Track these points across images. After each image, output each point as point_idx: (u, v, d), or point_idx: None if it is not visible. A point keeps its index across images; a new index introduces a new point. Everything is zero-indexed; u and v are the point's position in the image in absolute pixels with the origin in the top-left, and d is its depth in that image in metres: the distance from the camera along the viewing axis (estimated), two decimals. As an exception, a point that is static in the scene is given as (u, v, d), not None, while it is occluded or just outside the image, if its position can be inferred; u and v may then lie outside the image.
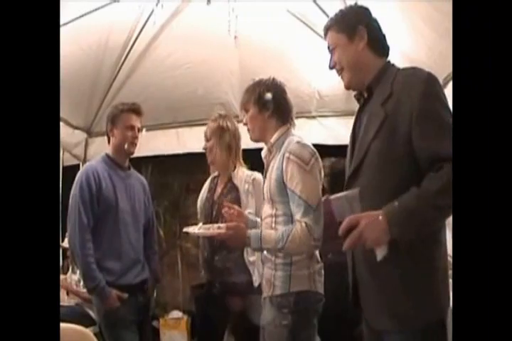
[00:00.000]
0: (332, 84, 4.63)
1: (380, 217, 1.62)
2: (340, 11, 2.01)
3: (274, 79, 2.59)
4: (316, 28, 4.19)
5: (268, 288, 2.46)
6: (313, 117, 5.00)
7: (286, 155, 2.35)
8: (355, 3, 2.06)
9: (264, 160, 2.64)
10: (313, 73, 4.58)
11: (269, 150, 2.54)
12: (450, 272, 1.65)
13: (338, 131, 4.79)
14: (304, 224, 2.25)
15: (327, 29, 2.02)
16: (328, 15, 3.96)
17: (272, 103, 2.52)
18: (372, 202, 1.71)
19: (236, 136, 3.14)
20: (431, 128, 1.67)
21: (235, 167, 3.15)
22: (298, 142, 2.40)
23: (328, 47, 2.02)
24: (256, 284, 2.92)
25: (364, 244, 1.65)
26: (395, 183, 1.72)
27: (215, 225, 2.53)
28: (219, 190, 3.17)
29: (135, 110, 3.15)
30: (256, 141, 2.64)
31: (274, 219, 2.44)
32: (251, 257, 3.00)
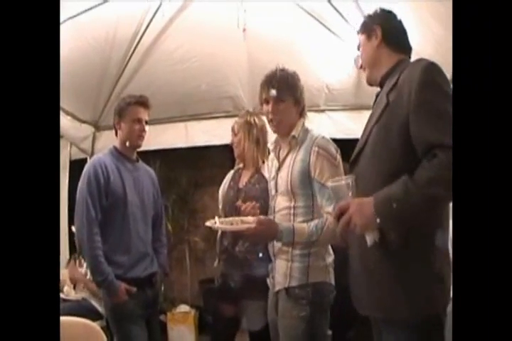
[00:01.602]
0: (341, 78, 4.63)
1: (368, 203, 1.69)
2: (365, 15, 2.15)
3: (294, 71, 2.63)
4: (325, 22, 4.17)
5: (283, 280, 2.48)
6: (322, 111, 4.98)
7: (315, 149, 2.41)
8: (380, 8, 2.14)
9: (273, 152, 2.67)
10: (322, 67, 4.56)
11: (289, 144, 2.54)
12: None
13: (346, 125, 4.78)
14: None
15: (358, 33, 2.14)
16: (336, 9, 3.95)
17: (303, 99, 2.58)
18: (367, 188, 1.78)
19: (263, 131, 3.15)
20: (426, 115, 1.67)
21: (263, 161, 3.15)
22: (323, 137, 2.48)
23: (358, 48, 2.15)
24: None
25: (353, 229, 1.72)
26: (390, 171, 1.74)
27: (237, 218, 2.52)
28: (245, 179, 3.16)
29: (142, 103, 3.12)
30: (280, 133, 2.62)
31: (292, 211, 2.47)
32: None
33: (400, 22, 2.07)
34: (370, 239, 1.72)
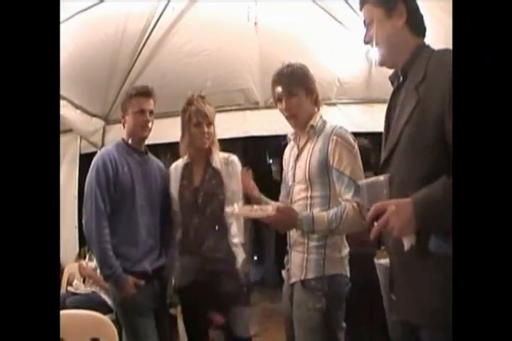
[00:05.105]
0: (352, 71, 4.61)
1: (407, 205, 1.58)
2: None
3: (302, 64, 2.63)
4: (336, 15, 4.14)
5: (299, 272, 2.49)
6: (334, 104, 4.98)
7: (334, 138, 2.44)
8: None
9: (293, 143, 2.69)
10: (333, 60, 4.54)
11: (307, 133, 2.56)
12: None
13: (357, 119, 4.77)
14: (355, 204, 2.33)
15: (363, 2, 1.96)
16: (348, 3, 3.92)
17: (315, 87, 2.59)
18: (402, 189, 1.67)
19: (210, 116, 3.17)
20: None
21: (212, 151, 3.12)
22: (341, 127, 2.51)
23: (364, 22, 1.95)
24: (239, 266, 2.95)
25: (390, 232, 1.61)
26: (426, 170, 1.65)
27: (256, 206, 2.49)
28: (198, 176, 3.09)
29: (144, 93, 3.09)
30: (299, 127, 2.63)
31: (309, 201, 2.49)
32: (234, 239, 2.99)
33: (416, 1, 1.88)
34: (407, 242, 1.63)
